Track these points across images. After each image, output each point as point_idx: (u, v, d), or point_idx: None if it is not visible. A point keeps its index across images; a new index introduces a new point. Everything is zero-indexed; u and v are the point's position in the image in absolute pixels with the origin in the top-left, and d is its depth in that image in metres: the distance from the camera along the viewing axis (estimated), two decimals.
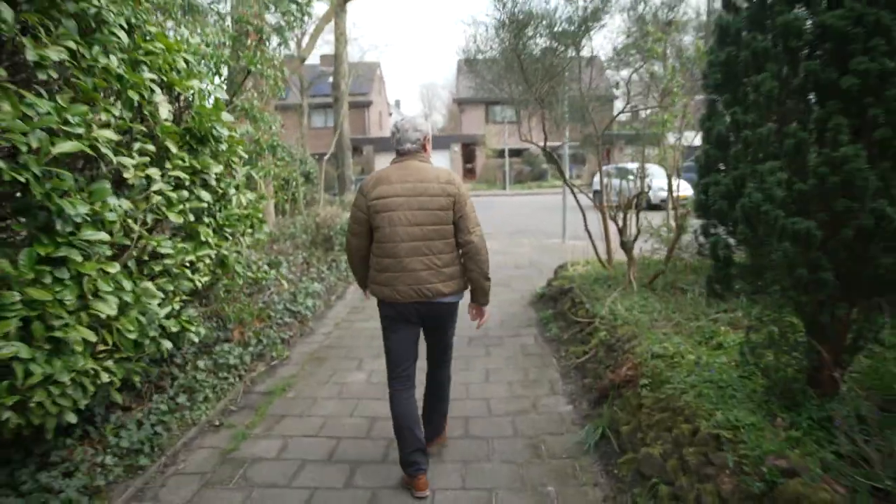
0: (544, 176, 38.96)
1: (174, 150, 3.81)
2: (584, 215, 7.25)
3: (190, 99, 4.21)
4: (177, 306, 3.84)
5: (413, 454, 3.33)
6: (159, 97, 3.66)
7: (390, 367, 3.41)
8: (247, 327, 5.17)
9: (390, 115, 54.80)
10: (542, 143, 7.43)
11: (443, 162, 41.12)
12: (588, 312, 5.64)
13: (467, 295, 3.47)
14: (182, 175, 3.83)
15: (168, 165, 3.76)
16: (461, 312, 3.55)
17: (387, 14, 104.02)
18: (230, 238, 4.48)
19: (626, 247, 6.22)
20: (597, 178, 26.19)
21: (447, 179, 3.24)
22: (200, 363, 4.79)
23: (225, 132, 4.38)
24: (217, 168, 4.30)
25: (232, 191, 4.59)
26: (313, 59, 42.91)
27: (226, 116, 4.35)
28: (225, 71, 5.90)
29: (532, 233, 15.68)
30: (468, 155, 41.77)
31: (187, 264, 3.99)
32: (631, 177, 23.06)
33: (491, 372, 5.27)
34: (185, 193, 3.93)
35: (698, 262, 6.51)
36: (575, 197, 7.43)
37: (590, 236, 7.13)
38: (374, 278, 3.34)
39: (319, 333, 6.59)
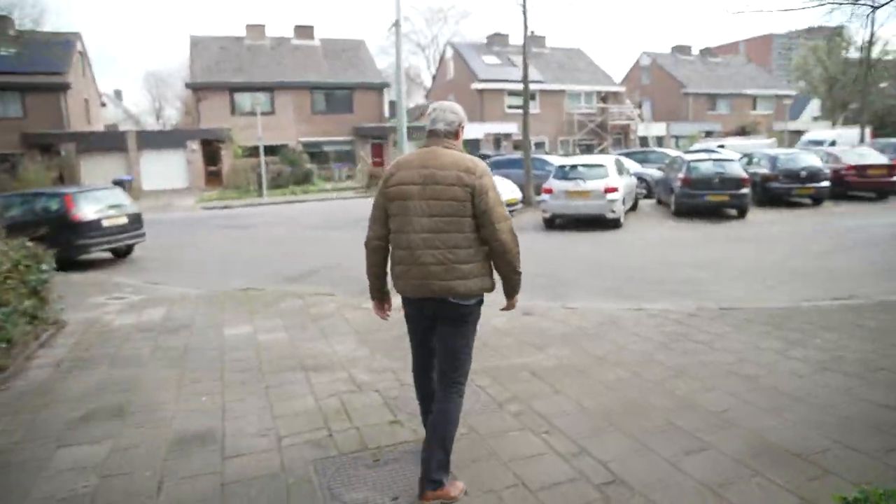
0: (310, 178, 32.17)
1: None
2: None
3: None
4: None
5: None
6: None
7: (412, 353, 3.39)
8: None
9: (103, 105, 43.15)
10: None
11: (178, 164, 32.16)
12: None
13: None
14: None
15: None
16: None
17: None
18: None
19: None
20: None
21: (466, 168, 3.02)
22: None
23: None
24: None
25: None
26: None
27: None
28: None
29: (356, 280, 9.14)
30: (211, 155, 33.15)
31: None
32: None
33: None
34: None
35: None
36: None
37: None
38: (392, 271, 3.19)
39: None
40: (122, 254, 12.27)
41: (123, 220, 11.61)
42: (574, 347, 5.43)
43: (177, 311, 7.40)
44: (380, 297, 3.36)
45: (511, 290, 3.24)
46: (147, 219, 20.32)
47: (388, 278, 3.29)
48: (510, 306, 3.35)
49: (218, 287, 8.89)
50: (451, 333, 3.16)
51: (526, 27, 18.83)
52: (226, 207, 24.61)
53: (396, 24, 6.57)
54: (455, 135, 3.20)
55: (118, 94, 63.53)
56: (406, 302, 3.23)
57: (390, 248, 3.19)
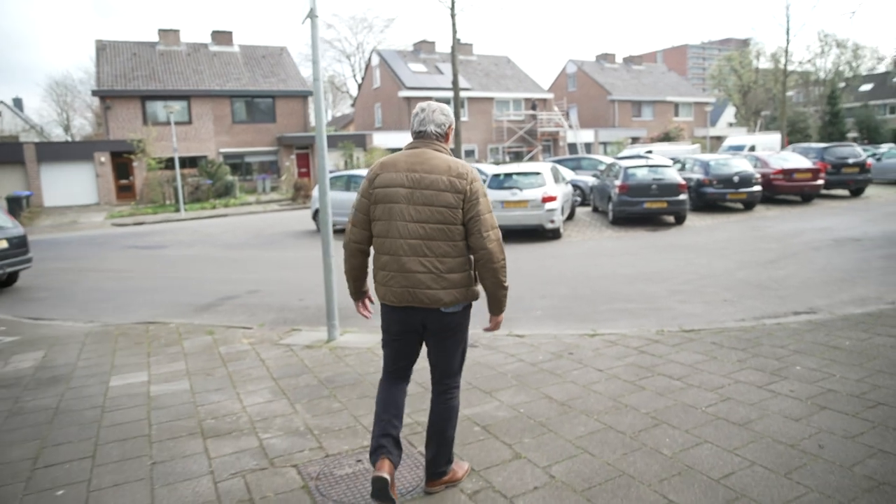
0: (231, 190, 30.47)
1: None
2: None
3: None
4: None
5: (380, 438, 2.96)
6: None
7: (385, 363, 3.18)
8: None
9: None
10: None
11: (86, 178, 29.91)
12: None
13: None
14: None
15: None
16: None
17: None
18: None
19: None
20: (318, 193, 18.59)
21: (458, 173, 2.89)
22: None
23: None
24: None
25: None
26: None
27: None
28: None
29: (276, 308, 8.06)
30: (122, 167, 30.97)
31: None
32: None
33: None
34: None
35: None
36: None
37: None
38: (374, 276, 3.06)
39: None
40: (2, 283, 10.70)
41: (3, 245, 10.09)
42: (530, 391, 4.64)
43: (56, 355, 6.18)
44: (359, 298, 3.24)
45: (496, 306, 3.06)
46: (46, 239, 18.51)
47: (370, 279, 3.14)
48: (494, 326, 3.16)
49: (115, 321, 7.68)
50: (443, 347, 3.09)
51: (455, 31, 18.19)
52: (139, 224, 22.80)
53: (311, 14, 5.64)
54: (445, 137, 3.08)
55: (18, 102, 59.19)
56: (387, 309, 3.07)
57: (372, 252, 3.07)
